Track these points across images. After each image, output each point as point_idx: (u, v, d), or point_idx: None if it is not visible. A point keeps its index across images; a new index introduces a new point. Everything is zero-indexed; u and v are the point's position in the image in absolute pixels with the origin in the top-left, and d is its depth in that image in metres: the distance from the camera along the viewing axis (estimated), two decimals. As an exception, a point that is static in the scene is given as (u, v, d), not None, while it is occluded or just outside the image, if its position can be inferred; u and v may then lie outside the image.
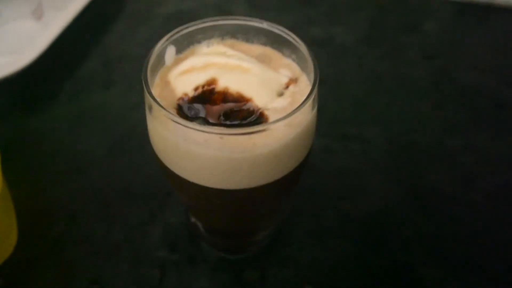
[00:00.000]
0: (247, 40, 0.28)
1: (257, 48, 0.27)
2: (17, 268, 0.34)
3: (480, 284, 0.33)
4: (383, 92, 0.48)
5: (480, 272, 0.34)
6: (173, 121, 0.22)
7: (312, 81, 0.25)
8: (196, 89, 0.24)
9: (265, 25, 0.26)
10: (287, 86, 0.25)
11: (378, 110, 0.46)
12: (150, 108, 0.24)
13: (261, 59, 0.27)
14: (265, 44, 0.27)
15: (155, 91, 0.25)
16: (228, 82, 0.24)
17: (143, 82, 0.23)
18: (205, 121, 0.24)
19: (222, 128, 0.23)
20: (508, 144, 0.43)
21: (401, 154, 0.42)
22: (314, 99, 0.24)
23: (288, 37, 0.26)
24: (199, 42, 0.27)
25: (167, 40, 0.26)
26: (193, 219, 0.32)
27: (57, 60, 0.49)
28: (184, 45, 0.27)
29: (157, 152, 0.25)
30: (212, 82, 0.25)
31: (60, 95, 0.46)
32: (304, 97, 0.24)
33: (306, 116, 0.24)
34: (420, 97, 0.47)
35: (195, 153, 0.22)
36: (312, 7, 0.57)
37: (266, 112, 0.24)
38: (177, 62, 0.26)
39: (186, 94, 0.24)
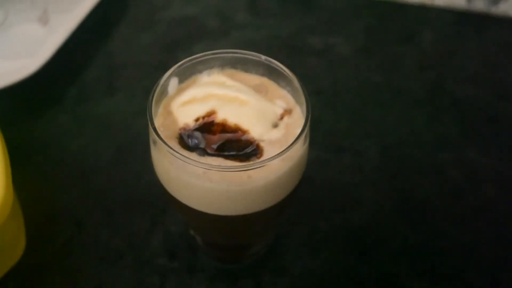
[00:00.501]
0: (246, 70, 0.29)
1: (255, 79, 0.29)
2: (26, 274, 0.36)
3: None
4: (378, 104, 0.49)
5: (464, 286, 0.36)
6: (175, 157, 0.24)
7: (304, 113, 0.26)
8: (196, 120, 0.26)
9: (262, 58, 0.28)
10: (281, 117, 0.27)
11: (372, 122, 0.47)
12: (155, 142, 0.26)
13: (258, 89, 0.28)
14: (262, 74, 0.29)
15: (158, 120, 0.27)
16: (227, 114, 0.26)
17: (148, 119, 0.25)
18: (205, 152, 0.25)
19: (221, 160, 0.25)
20: (498, 159, 0.45)
21: (392, 168, 0.44)
22: (306, 134, 0.26)
23: (283, 71, 0.28)
24: (200, 71, 0.29)
25: (171, 73, 0.27)
26: (191, 232, 0.34)
27: (62, 66, 0.50)
28: (186, 75, 0.29)
29: (159, 178, 0.27)
30: (211, 113, 0.26)
31: (64, 102, 0.48)
32: (297, 129, 0.26)
33: (299, 150, 0.26)
34: (414, 110, 0.49)
35: (195, 184, 0.24)
36: (312, 14, 0.58)
37: (262, 144, 0.26)
38: (179, 91, 0.28)
39: (187, 125, 0.26)
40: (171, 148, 0.24)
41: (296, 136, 0.25)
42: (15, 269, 0.36)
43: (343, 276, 0.37)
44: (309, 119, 0.25)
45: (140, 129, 0.46)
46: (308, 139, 0.27)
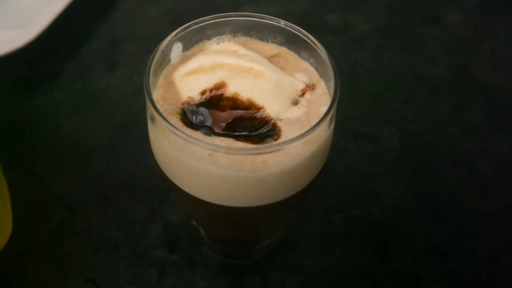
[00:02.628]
0: (262, 38, 0.25)
1: (272, 48, 0.25)
2: (11, 261, 0.32)
3: (491, 303, 0.32)
4: (400, 88, 0.44)
5: (492, 290, 0.32)
6: (176, 135, 0.19)
7: (331, 89, 0.22)
8: (203, 93, 0.22)
9: (282, 24, 0.23)
10: (303, 93, 0.23)
11: (394, 108, 0.43)
12: (152, 117, 0.21)
13: (276, 61, 0.24)
14: (281, 44, 0.25)
15: (157, 93, 0.23)
16: (239, 87, 0.22)
17: (145, 90, 0.21)
18: (211, 131, 0.21)
19: (230, 140, 0.20)
20: (530, 152, 0.40)
21: (415, 157, 0.39)
22: (333, 114, 0.21)
23: (306, 39, 0.23)
24: (208, 38, 0.24)
25: (173, 37, 0.23)
26: (194, 223, 0.30)
27: (61, 37, 0.46)
28: (192, 41, 0.24)
29: (158, 161, 0.23)
30: (220, 86, 0.22)
31: (62, 76, 0.44)
32: (321, 107, 0.22)
33: (323, 133, 0.21)
34: (438, 96, 0.44)
35: (199, 168, 0.20)
36: (330, -9, 0.53)
37: (279, 124, 0.21)
38: (183, 60, 0.24)
39: (191, 98, 0.22)
40: (171, 124, 0.19)
41: (320, 115, 0.20)
42: (-1, 255, 0.32)
43: (359, 276, 0.33)
44: (338, 96, 0.21)
45: (141, 108, 0.41)
46: (334, 120, 0.22)
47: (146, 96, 0.21)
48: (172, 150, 0.20)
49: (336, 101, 0.21)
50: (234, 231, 0.26)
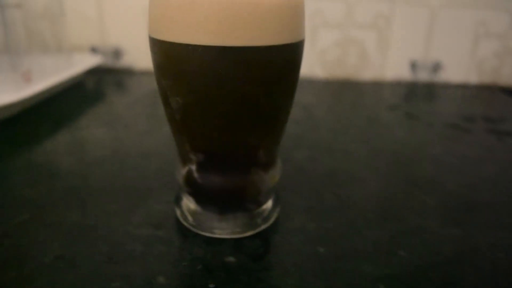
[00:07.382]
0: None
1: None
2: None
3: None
4: (355, 127, 0.50)
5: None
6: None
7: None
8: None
9: None
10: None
11: (352, 139, 0.47)
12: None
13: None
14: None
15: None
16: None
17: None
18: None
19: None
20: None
21: (380, 156, 0.42)
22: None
23: None
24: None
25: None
26: (185, 169, 0.29)
27: (38, 116, 0.49)
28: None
29: (153, 31, 0.25)
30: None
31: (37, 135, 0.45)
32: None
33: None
34: (391, 129, 0.50)
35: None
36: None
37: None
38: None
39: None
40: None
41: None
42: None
43: (360, 232, 0.30)
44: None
45: (114, 148, 0.42)
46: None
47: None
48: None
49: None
50: (227, 121, 0.25)
